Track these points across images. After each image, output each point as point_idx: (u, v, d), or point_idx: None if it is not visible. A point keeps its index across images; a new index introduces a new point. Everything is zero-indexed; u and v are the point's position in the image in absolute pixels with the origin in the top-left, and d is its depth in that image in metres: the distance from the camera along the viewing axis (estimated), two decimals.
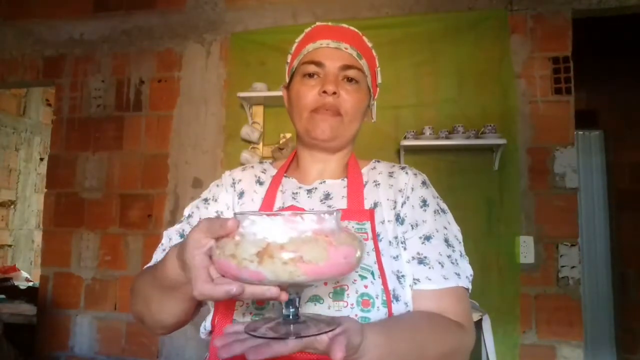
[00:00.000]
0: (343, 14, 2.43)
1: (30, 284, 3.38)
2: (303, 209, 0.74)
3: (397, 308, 0.65)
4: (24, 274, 3.64)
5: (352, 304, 0.63)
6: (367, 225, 0.71)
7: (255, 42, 2.49)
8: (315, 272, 0.44)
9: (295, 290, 0.50)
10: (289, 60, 0.84)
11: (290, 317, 0.50)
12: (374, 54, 0.83)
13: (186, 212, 0.84)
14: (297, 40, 0.83)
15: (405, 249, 0.71)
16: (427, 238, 0.71)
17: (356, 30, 0.81)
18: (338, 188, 0.79)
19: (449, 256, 0.71)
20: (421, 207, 0.75)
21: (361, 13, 2.42)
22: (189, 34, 2.60)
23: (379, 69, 0.84)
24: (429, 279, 0.68)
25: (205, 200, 0.82)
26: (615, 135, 3.37)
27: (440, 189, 0.83)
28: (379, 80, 0.84)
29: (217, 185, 0.84)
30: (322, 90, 0.74)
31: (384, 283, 0.65)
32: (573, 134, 2.16)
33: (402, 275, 0.69)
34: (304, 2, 2.48)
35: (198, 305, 0.71)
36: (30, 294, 2.93)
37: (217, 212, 0.80)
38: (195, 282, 0.48)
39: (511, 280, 2.11)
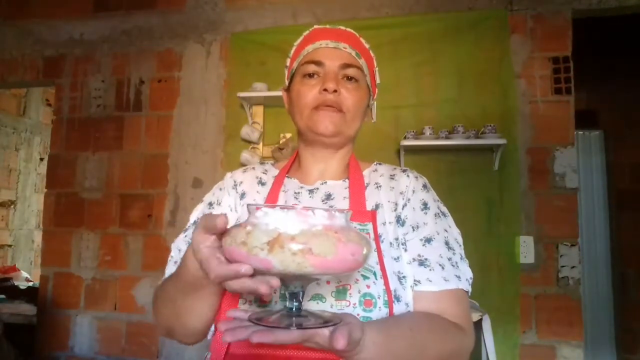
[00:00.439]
0: (343, 14, 2.43)
1: (30, 284, 3.38)
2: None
3: (398, 308, 0.66)
4: (24, 274, 3.64)
5: (354, 303, 0.63)
6: (369, 226, 0.71)
7: (255, 42, 2.49)
8: (323, 265, 0.45)
9: (300, 284, 0.51)
10: (287, 63, 0.85)
11: (294, 310, 0.51)
12: (372, 54, 0.84)
13: (192, 218, 0.84)
14: (295, 43, 0.84)
15: (405, 250, 0.72)
16: (428, 240, 0.72)
17: (353, 31, 0.82)
18: (339, 189, 0.79)
19: (449, 259, 0.71)
20: (422, 209, 0.75)
21: (361, 13, 2.42)
22: (189, 34, 2.61)
23: (377, 69, 0.85)
24: (430, 281, 0.69)
25: (210, 204, 0.83)
26: (615, 135, 3.37)
27: (440, 189, 0.83)
28: (378, 80, 0.86)
29: (220, 189, 0.85)
30: (323, 88, 0.75)
31: (386, 283, 0.66)
32: (573, 134, 2.16)
33: (403, 276, 0.70)
34: (304, 2, 2.48)
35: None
36: (30, 294, 2.93)
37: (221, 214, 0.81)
38: (209, 268, 0.50)
39: (511, 280, 2.11)
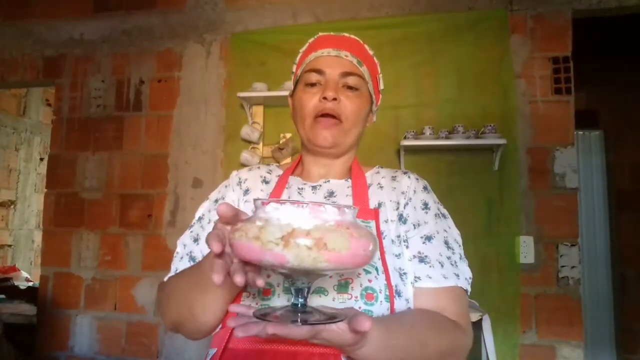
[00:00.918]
0: (343, 14, 2.43)
1: (30, 284, 3.39)
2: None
3: (399, 304, 0.67)
4: (24, 274, 3.65)
5: (356, 297, 0.64)
6: (372, 224, 0.73)
7: (255, 42, 2.49)
8: (337, 260, 0.45)
9: (307, 280, 0.51)
10: (294, 70, 0.88)
11: (299, 306, 0.52)
12: (376, 61, 0.86)
13: (197, 214, 0.86)
14: (301, 50, 0.87)
15: (407, 247, 0.74)
16: (428, 238, 0.74)
17: (357, 38, 0.85)
18: (342, 188, 0.81)
19: (448, 257, 0.73)
20: (423, 209, 0.77)
21: (361, 13, 2.42)
22: (189, 34, 2.61)
23: (380, 75, 0.87)
24: (430, 277, 0.70)
25: (216, 201, 0.85)
26: (615, 135, 3.37)
27: (440, 189, 0.84)
28: (381, 86, 0.87)
29: (225, 186, 0.87)
30: (323, 96, 0.77)
31: (387, 279, 0.67)
32: (573, 134, 2.16)
33: (404, 273, 0.71)
34: (304, 2, 2.48)
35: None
36: (30, 294, 2.93)
37: None
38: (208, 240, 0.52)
39: (511, 280, 2.11)
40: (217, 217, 0.82)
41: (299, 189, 0.82)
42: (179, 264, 0.79)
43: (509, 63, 2.22)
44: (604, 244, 3.31)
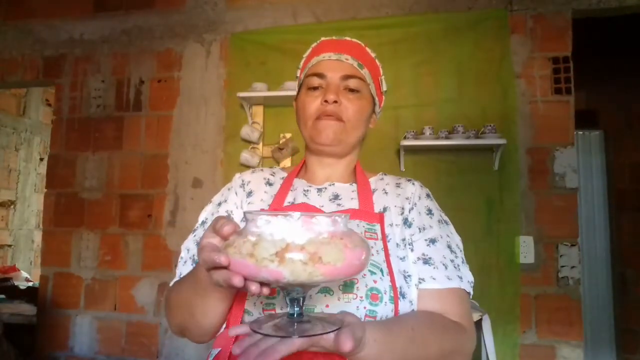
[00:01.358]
0: (343, 14, 2.43)
1: (30, 284, 3.39)
2: (314, 207, 0.78)
3: (403, 305, 0.68)
4: (24, 274, 3.65)
5: (361, 297, 0.65)
6: (377, 227, 0.75)
7: (255, 42, 2.49)
8: (333, 273, 0.45)
9: (301, 290, 0.51)
10: (298, 74, 0.90)
11: (295, 315, 0.51)
12: (378, 63, 0.88)
13: (200, 218, 0.86)
14: (304, 55, 0.89)
15: (412, 250, 0.75)
16: (432, 241, 0.76)
17: (359, 42, 0.86)
18: (347, 191, 0.83)
19: (452, 260, 0.75)
20: (427, 214, 0.80)
21: (361, 13, 2.42)
22: (188, 34, 2.61)
23: (383, 77, 0.88)
24: (434, 279, 0.72)
25: (219, 204, 0.86)
26: (615, 135, 3.37)
27: (440, 189, 0.85)
28: (384, 88, 0.89)
29: (228, 189, 0.88)
30: (324, 99, 0.79)
31: (392, 280, 0.68)
32: (573, 134, 2.16)
33: (409, 275, 0.72)
34: (304, 2, 2.48)
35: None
36: (30, 294, 2.93)
37: (227, 211, 0.83)
38: (200, 257, 0.53)
39: (511, 280, 2.11)
40: None
41: (304, 190, 0.83)
42: (183, 269, 0.80)
43: (509, 63, 2.22)
44: (604, 244, 3.31)
